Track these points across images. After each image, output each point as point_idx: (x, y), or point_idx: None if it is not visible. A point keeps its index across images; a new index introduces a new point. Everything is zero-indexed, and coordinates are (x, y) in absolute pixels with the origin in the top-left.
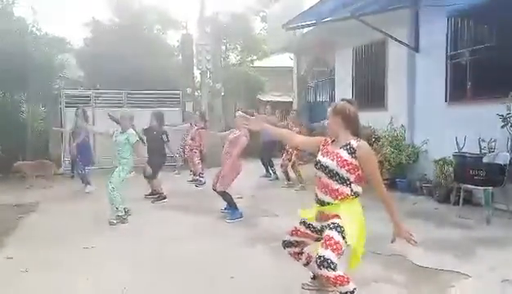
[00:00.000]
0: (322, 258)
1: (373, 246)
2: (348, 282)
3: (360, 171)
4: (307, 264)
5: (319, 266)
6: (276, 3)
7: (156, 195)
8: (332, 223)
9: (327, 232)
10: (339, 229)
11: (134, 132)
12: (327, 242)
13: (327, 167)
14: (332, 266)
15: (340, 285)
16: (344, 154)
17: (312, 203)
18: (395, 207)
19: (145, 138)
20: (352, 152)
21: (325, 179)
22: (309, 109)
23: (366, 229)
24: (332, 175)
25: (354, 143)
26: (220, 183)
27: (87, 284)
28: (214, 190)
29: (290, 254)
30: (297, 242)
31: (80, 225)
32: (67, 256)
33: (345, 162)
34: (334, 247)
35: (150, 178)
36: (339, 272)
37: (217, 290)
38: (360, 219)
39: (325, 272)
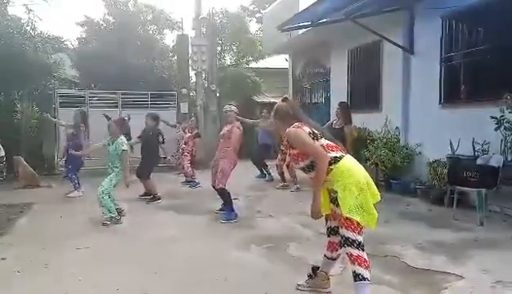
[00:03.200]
0: (344, 237)
1: (367, 247)
2: (367, 268)
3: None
4: (333, 259)
5: (342, 245)
6: (272, 5)
7: (150, 196)
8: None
9: (338, 211)
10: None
11: (123, 141)
12: (342, 223)
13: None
14: (355, 244)
15: (358, 265)
16: (292, 151)
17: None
18: (318, 188)
19: (137, 140)
20: (290, 144)
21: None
22: (304, 110)
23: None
24: (305, 170)
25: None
26: (219, 179)
27: (80, 285)
28: (213, 187)
29: (330, 243)
30: (337, 228)
31: (74, 226)
32: (60, 257)
33: (295, 157)
34: (346, 224)
35: (143, 179)
36: (363, 253)
37: (211, 291)
38: (350, 184)
39: (348, 249)
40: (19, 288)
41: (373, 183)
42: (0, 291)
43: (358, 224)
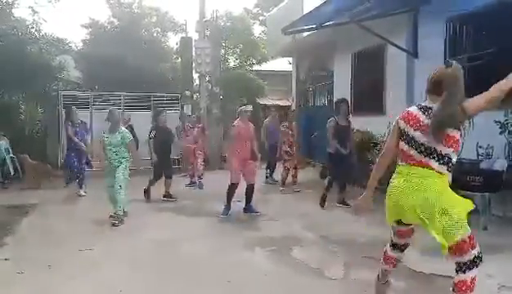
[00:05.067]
0: None
1: (370, 250)
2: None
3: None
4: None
5: None
6: (276, 7)
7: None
8: None
9: None
10: None
11: (127, 130)
12: None
13: None
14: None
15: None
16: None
17: None
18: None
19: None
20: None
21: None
22: (308, 112)
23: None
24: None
25: None
26: (253, 177)
27: (83, 286)
28: (251, 186)
29: None
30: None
31: (77, 227)
32: (64, 258)
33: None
34: None
35: (170, 177)
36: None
37: (215, 293)
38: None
39: None
40: (22, 289)
41: (402, 210)
42: (3, 291)
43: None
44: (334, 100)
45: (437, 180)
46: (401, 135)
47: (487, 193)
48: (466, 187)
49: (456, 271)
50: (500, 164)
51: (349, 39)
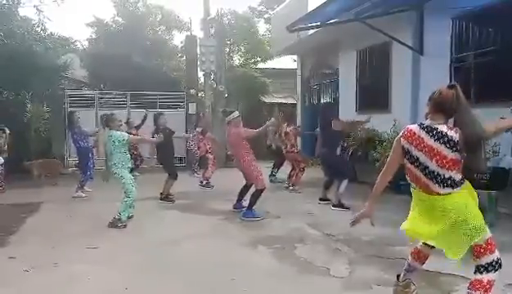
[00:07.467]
0: None
1: (375, 249)
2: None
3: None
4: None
5: None
6: (281, 5)
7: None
8: None
9: None
10: None
11: (116, 132)
12: None
13: None
14: None
15: None
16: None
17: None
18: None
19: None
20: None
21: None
22: (313, 110)
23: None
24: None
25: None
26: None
27: (89, 284)
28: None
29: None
30: None
31: (83, 225)
32: (70, 256)
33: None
34: None
35: (175, 178)
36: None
37: (218, 291)
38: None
39: None
40: (28, 287)
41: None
42: (9, 289)
43: None
44: (339, 97)
45: (443, 204)
46: (405, 154)
47: (493, 191)
48: (472, 184)
49: (474, 272)
50: (506, 162)
51: (354, 37)
